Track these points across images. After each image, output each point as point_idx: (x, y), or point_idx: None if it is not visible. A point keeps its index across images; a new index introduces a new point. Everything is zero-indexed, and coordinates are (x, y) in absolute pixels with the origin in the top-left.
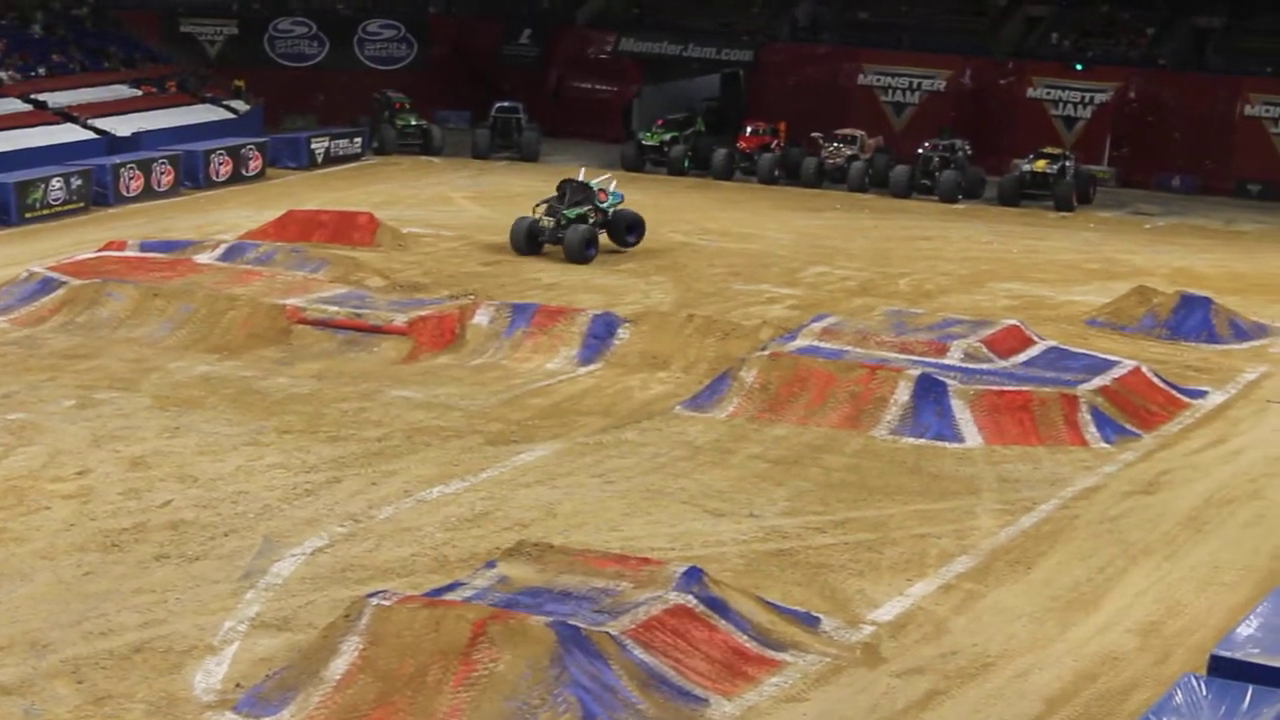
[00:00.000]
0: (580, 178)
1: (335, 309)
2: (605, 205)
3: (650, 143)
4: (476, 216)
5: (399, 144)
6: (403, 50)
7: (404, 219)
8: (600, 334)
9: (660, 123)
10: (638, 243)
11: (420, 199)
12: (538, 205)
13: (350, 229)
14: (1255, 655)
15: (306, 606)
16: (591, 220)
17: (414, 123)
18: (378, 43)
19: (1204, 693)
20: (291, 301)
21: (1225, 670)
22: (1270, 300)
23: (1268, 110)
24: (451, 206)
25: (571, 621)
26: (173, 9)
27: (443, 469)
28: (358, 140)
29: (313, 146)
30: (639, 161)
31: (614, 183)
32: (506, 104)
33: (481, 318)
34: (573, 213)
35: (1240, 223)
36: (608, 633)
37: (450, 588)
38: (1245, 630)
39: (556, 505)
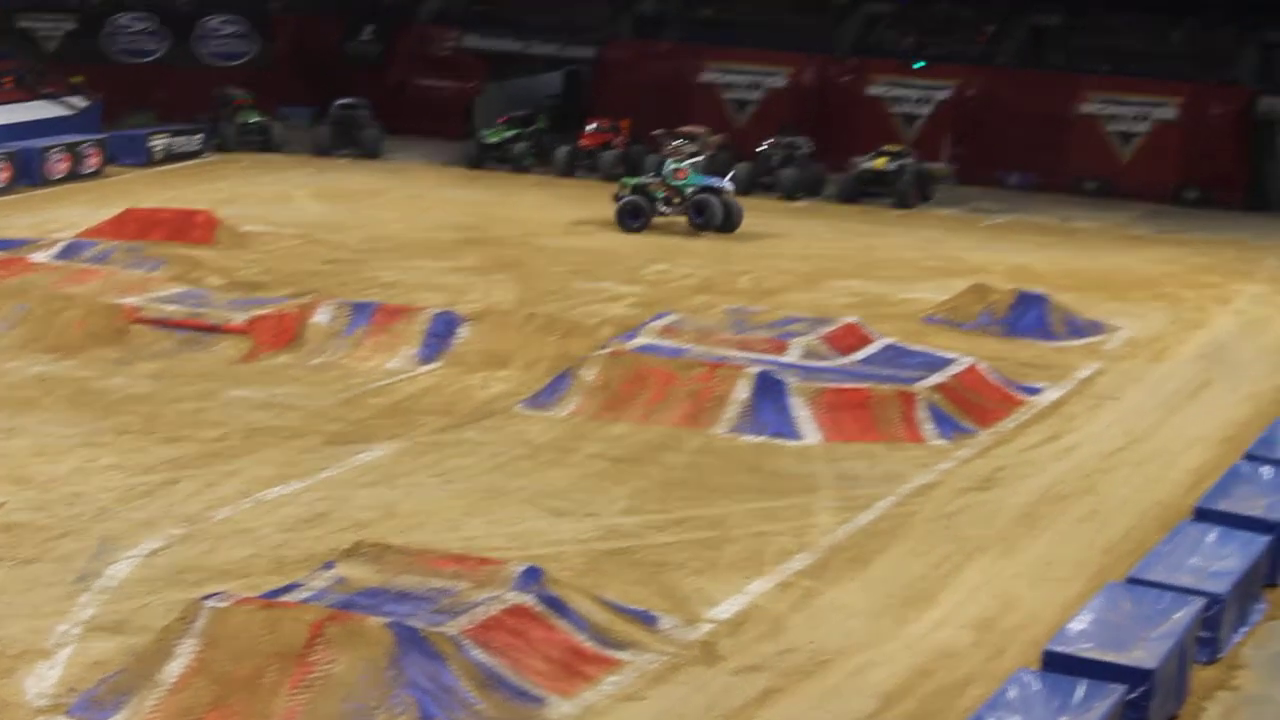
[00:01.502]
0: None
1: (173, 308)
2: (680, 183)
3: (492, 140)
4: (317, 214)
5: (240, 141)
6: (244, 46)
7: (244, 217)
8: (440, 332)
9: (502, 120)
10: (706, 226)
11: (261, 197)
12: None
13: (189, 227)
14: (1088, 650)
15: (142, 609)
16: (659, 195)
17: (255, 119)
18: (218, 39)
19: (1037, 687)
20: (129, 300)
21: (1058, 665)
22: (1105, 297)
23: (1104, 108)
24: (292, 204)
25: (409, 622)
26: (8, 3)
27: (281, 469)
28: (198, 137)
29: (152, 144)
30: (481, 159)
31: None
32: (348, 101)
33: (321, 316)
34: (632, 181)
35: (1076, 220)
36: (446, 633)
37: (288, 589)
38: (1078, 625)
39: (396, 505)
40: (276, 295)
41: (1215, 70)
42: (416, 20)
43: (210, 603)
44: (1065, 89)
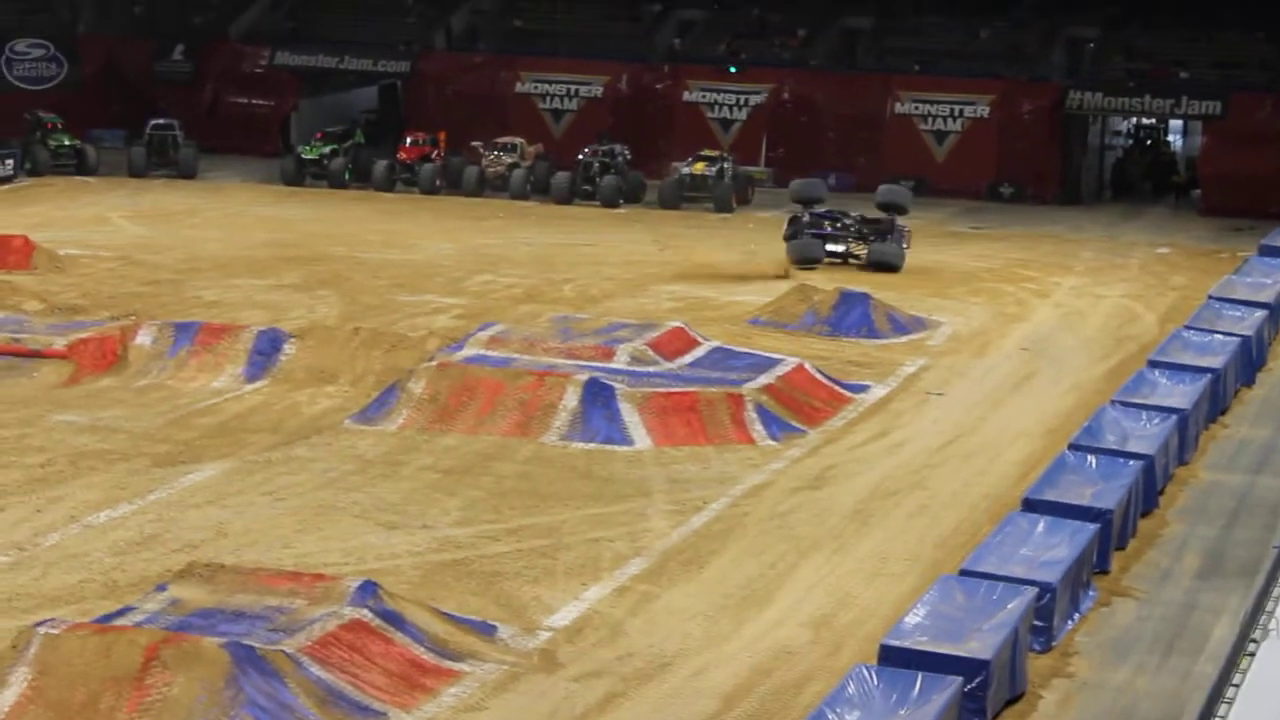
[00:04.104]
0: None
1: None
2: None
3: (309, 156)
4: (135, 236)
5: (52, 165)
6: (52, 69)
7: (60, 240)
8: (265, 350)
9: (319, 136)
10: None
11: (76, 220)
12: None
13: (4, 252)
14: (924, 643)
15: None
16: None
17: (67, 143)
18: (26, 62)
19: (875, 682)
20: None
21: (895, 659)
22: (926, 294)
23: (917, 108)
24: (109, 226)
25: (246, 641)
26: None
27: (109, 493)
28: (9, 162)
29: None
30: (299, 175)
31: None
32: (162, 121)
33: (144, 338)
34: None
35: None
36: (283, 651)
37: (120, 613)
38: (913, 619)
39: (227, 525)
40: (97, 318)
41: (1025, 67)
42: (228, 39)
43: (42, 629)
44: (878, 90)
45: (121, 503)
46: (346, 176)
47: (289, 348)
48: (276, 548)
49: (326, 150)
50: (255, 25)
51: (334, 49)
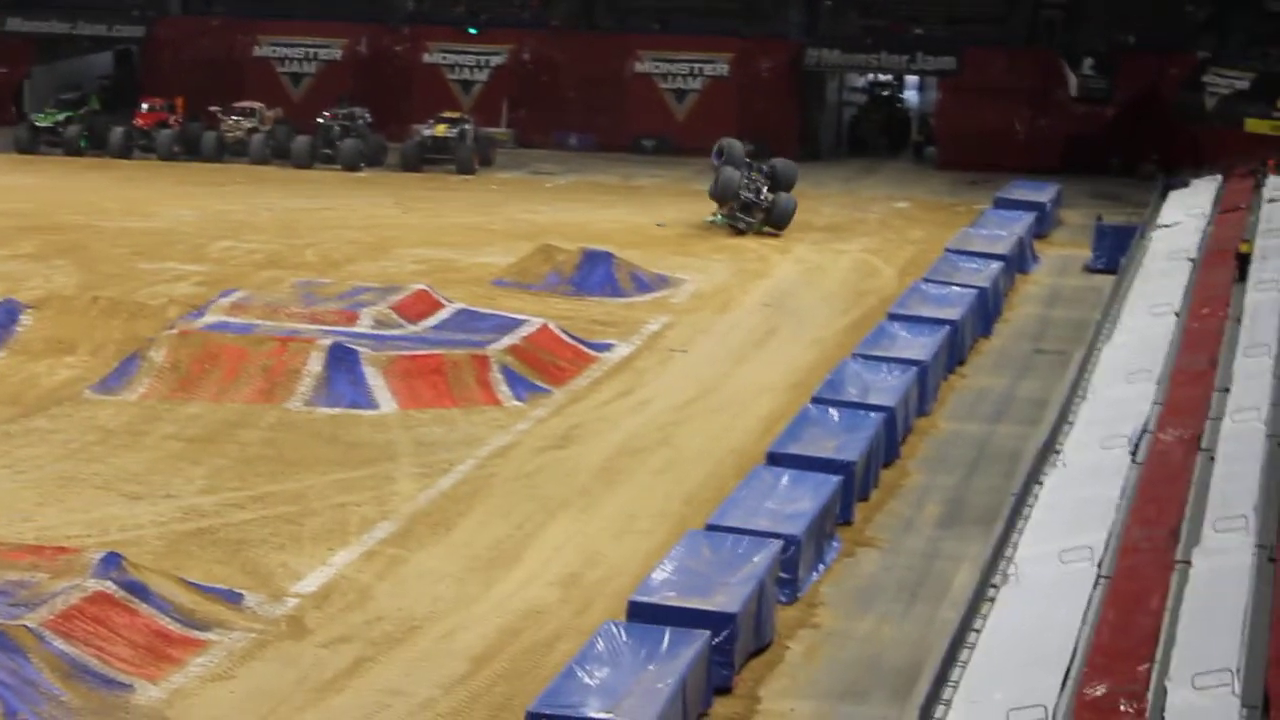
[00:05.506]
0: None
1: None
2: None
3: (44, 124)
4: None
5: None
6: None
7: None
8: (2, 321)
9: (54, 103)
10: None
11: None
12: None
13: None
14: (671, 598)
15: None
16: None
17: None
18: None
19: (624, 638)
20: None
21: (643, 615)
22: (669, 252)
23: (657, 67)
24: None
25: None
26: None
27: None
28: None
29: None
30: (33, 143)
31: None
32: None
33: None
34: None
35: (638, 178)
36: (25, 625)
37: None
38: (660, 575)
39: None
40: None
41: (763, 25)
42: None
43: None
44: (618, 50)
45: None
46: (82, 144)
47: (26, 318)
48: (17, 521)
49: (61, 118)
50: None
51: (66, 14)
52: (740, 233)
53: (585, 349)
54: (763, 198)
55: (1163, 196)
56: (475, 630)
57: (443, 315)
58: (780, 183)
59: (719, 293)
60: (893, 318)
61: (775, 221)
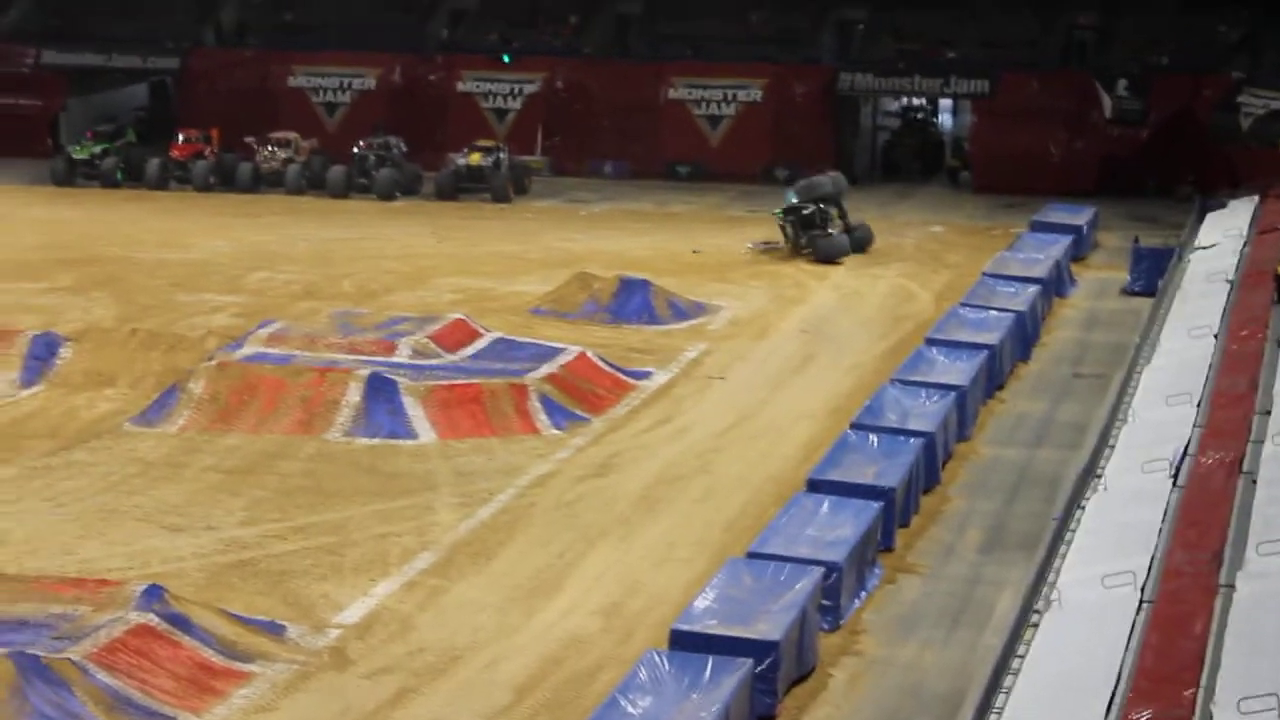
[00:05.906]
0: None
1: None
2: None
3: (80, 156)
4: None
5: None
6: None
7: None
8: (41, 354)
9: (89, 135)
10: None
11: None
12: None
13: None
14: (713, 626)
15: None
16: None
17: None
18: None
19: (666, 667)
20: None
21: (686, 643)
22: (706, 279)
23: (691, 93)
24: None
25: (31, 650)
26: None
27: None
28: None
29: None
30: (70, 176)
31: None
32: None
33: None
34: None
35: (672, 205)
36: (69, 659)
37: None
38: (702, 603)
39: (8, 534)
40: None
41: (796, 50)
42: None
43: None
44: (651, 76)
45: None
46: (119, 176)
47: (65, 351)
48: (59, 554)
49: (98, 150)
50: (20, 24)
51: (101, 47)
52: (782, 239)
53: (623, 377)
54: (828, 229)
55: (1199, 218)
56: (517, 660)
57: (480, 344)
58: (852, 229)
59: (756, 319)
60: (930, 343)
61: (856, 246)
